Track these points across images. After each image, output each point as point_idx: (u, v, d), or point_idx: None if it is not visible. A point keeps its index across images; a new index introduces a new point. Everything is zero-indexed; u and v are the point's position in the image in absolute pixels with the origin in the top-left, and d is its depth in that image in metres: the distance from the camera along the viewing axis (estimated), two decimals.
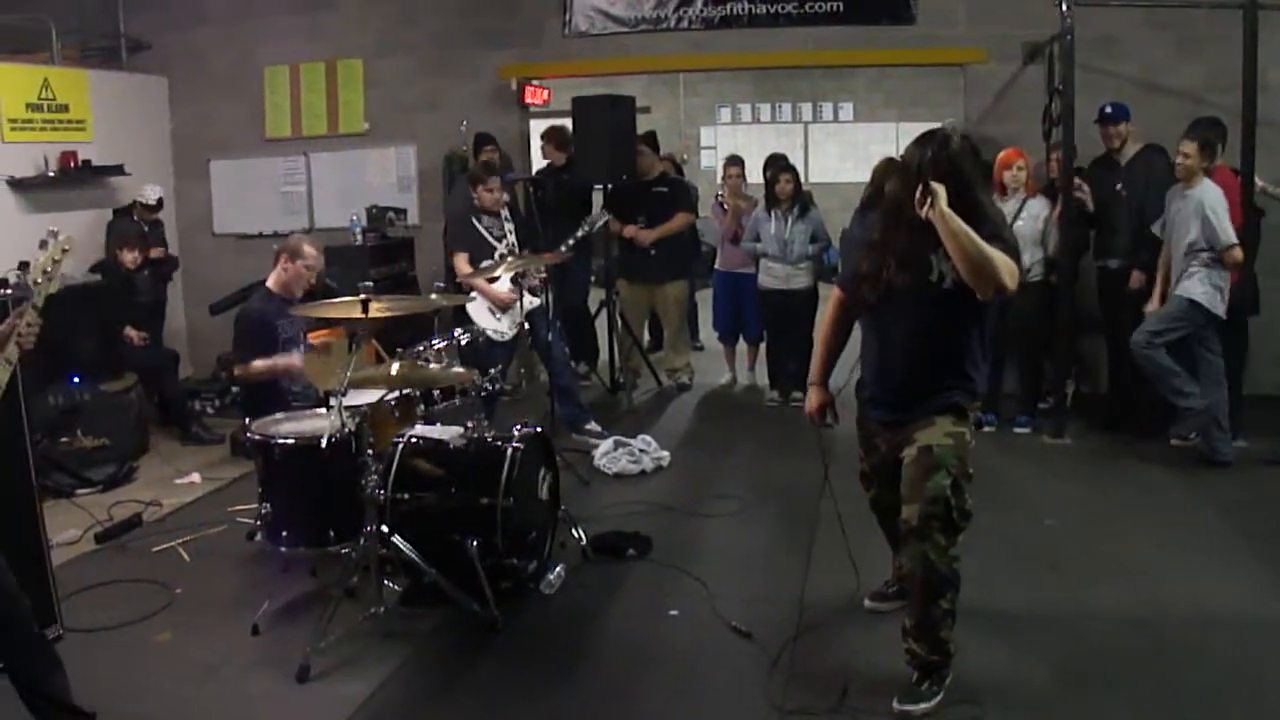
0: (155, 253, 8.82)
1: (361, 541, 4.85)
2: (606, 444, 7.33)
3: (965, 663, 4.35)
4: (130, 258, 7.92)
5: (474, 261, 7.53)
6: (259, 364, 5.99)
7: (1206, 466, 6.89)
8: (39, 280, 3.41)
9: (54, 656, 3.68)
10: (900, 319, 4.11)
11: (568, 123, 9.15)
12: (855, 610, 4.93)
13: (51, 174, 8.79)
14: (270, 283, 6.28)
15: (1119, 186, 7.34)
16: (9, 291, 4.68)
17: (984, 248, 3.76)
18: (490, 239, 7.64)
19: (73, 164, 8.90)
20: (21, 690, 3.62)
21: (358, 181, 10.10)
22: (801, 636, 4.64)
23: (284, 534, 5.09)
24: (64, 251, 3.46)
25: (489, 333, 7.36)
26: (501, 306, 7.55)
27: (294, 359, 6.07)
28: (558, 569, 5.39)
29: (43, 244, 3.42)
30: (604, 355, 9.54)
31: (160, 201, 9.12)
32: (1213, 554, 5.49)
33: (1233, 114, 7.24)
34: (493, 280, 7.46)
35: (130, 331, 8.24)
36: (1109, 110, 7.36)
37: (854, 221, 8.40)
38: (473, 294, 7.53)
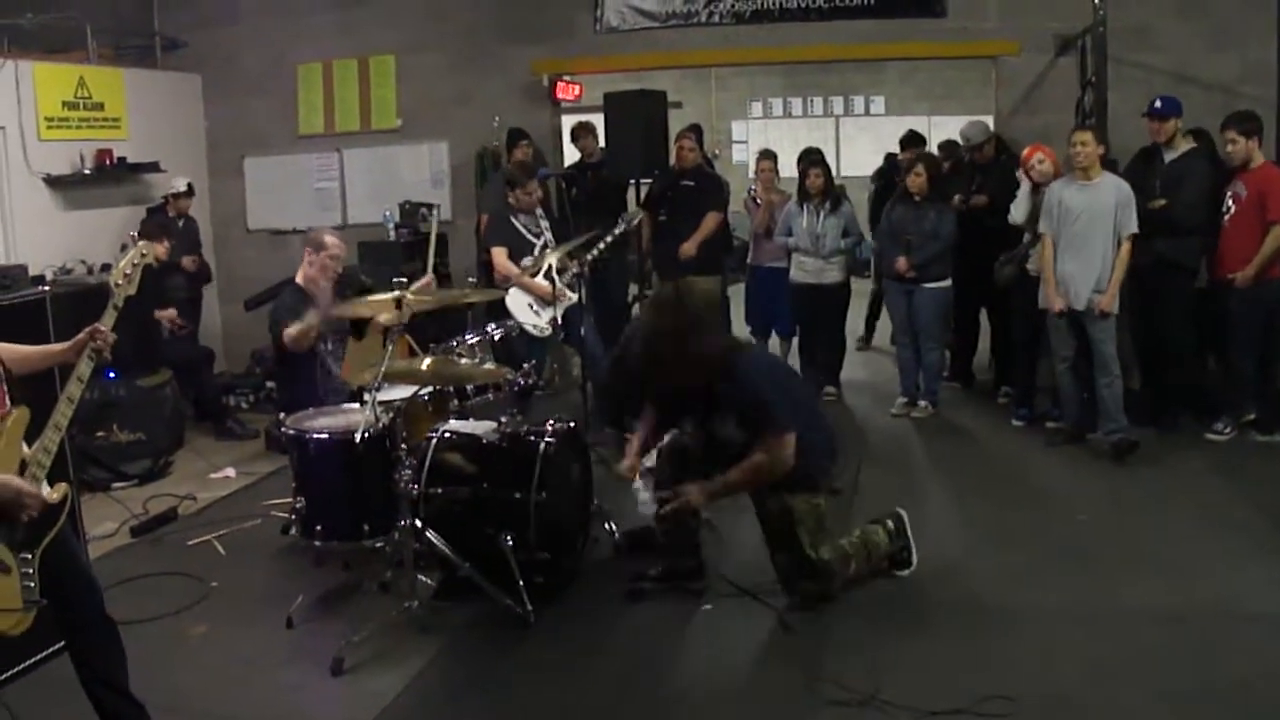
0: (187, 263, 8.87)
1: (395, 536, 4.88)
2: None
3: (998, 657, 4.35)
4: (160, 250, 7.93)
5: (512, 257, 7.55)
6: (292, 329, 5.84)
7: (1241, 461, 6.84)
8: (119, 283, 3.60)
9: (119, 644, 3.72)
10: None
11: (599, 118, 9.16)
12: (890, 604, 4.94)
13: (87, 171, 8.89)
14: (300, 279, 6.24)
15: (1157, 183, 7.23)
16: (45, 288, 4.76)
17: (744, 479, 4.78)
18: (529, 235, 7.65)
19: (108, 161, 8.99)
20: (82, 673, 3.66)
21: (390, 177, 10.14)
22: (835, 629, 4.68)
23: (318, 528, 5.08)
24: (143, 256, 3.66)
25: (527, 327, 7.36)
26: (544, 300, 7.52)
27: (325, 310, 5.95)
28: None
29: (123, 248, 3.60)
30: None
31: (190, 188, 9.21)
32: (1247, 549, 5.43)
33: (1266, 105, 7.19)
34: (533, 275, 7.46)
35: (164, 314, 8.28)
36: (1158, 105, 7.17)
37: (884, 215, 8.37)
38: (510, 288, 7.53)
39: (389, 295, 4.95)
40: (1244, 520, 5.86)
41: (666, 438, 5.19)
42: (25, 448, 3.44)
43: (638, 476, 5.01)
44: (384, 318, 5.73)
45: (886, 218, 8.24)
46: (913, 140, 10.02)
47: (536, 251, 7.53)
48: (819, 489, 4.95)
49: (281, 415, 5.49)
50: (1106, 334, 6.92)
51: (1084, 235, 6.87)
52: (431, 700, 4.31)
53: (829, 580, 4.88)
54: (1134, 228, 6.82)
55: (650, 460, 5.09)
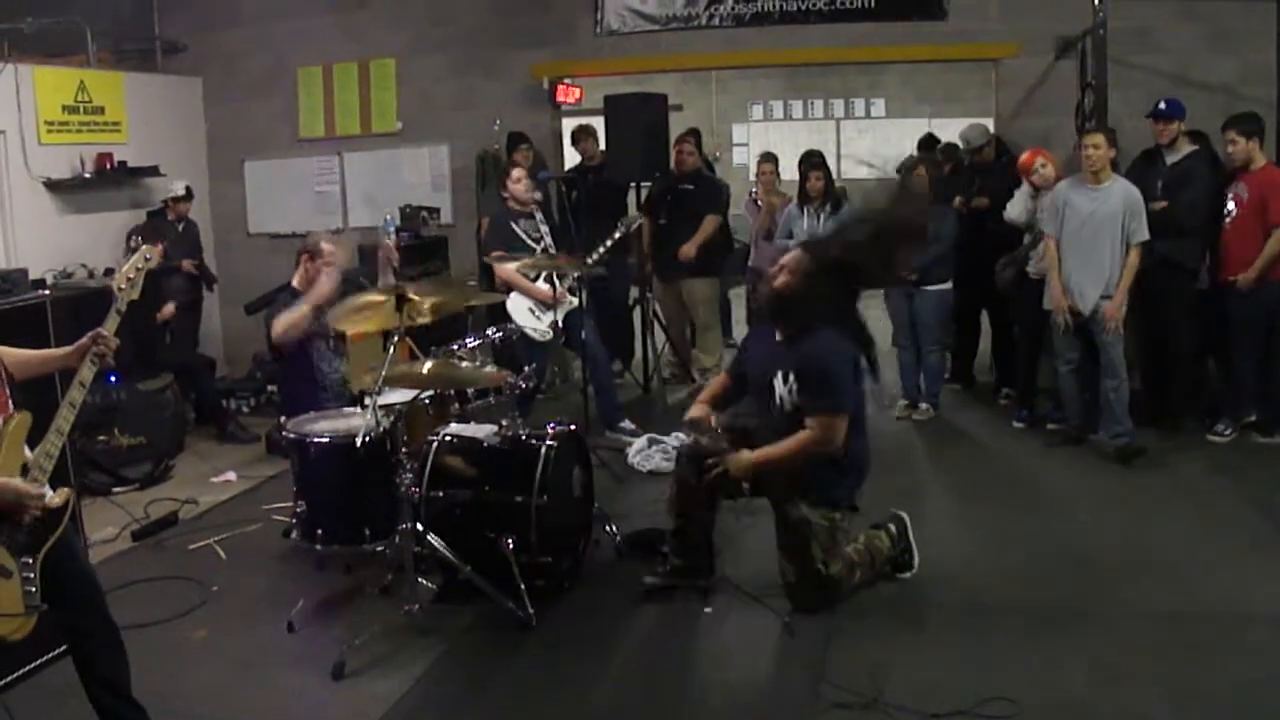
0: (187, 265, 8.88)
1: (396, 539, 4.88)
2: (640, 441, 7.32)
3: (1000, 659, 4.34)
4: (155, 253, 7.90)
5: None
6: (283, 317, 5.90)
7: (1242, 462, 6.83)
8: (123, 287, 3.62)
9: (121, 648, 3.72)
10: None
11: (599, 121, 9.16)
12: (892, 606, 4.94)
13: (87, 175, 8.89)
14: (295, 283, 6.25)
15: (1159, 185, 7.21)
16: (45, 292, 4.77)
17: (789, 451, 4.81)
18: (528, 240, 7.65)
19: (108, 165, 8.99)
20: (84, 675, 3.66)
21: (391, 181, 10.13)
22: (838, 631, 4.68)
23: (319, 532, 5.09)
24: (146, 260, 3.71)
25: (528, 331, 7.37)
26: (544, 304, 7.52)
27: (319, 286, 5.98)
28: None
29: (128, 252, 3.61)
30: (639, 354, 9.52)
31: (189, 191, 9.19)
32: (1249, 550, 5.43)
33: (1266, 107, 7.18)
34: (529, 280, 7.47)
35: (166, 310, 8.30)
36: (1162, 107, 7.16)
37: None
38: (511, 291, 7.54)
39: (385, 295, 4.96)
40: (1245, 521, 5.86)
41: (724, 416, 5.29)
42: (27, 452, 3.43)
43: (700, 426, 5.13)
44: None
45: None
46: (929, 143, 10.04)
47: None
48: (839, 504, 4.97)
49: (282, 419, 5.49)
50: (1114, 338, 6.90)
51: (1089, 239, 6.85)
52: (433, 704, 4.31)
53: (835, 592, 4.91)
54: (1144, 235, 6.77)
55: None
